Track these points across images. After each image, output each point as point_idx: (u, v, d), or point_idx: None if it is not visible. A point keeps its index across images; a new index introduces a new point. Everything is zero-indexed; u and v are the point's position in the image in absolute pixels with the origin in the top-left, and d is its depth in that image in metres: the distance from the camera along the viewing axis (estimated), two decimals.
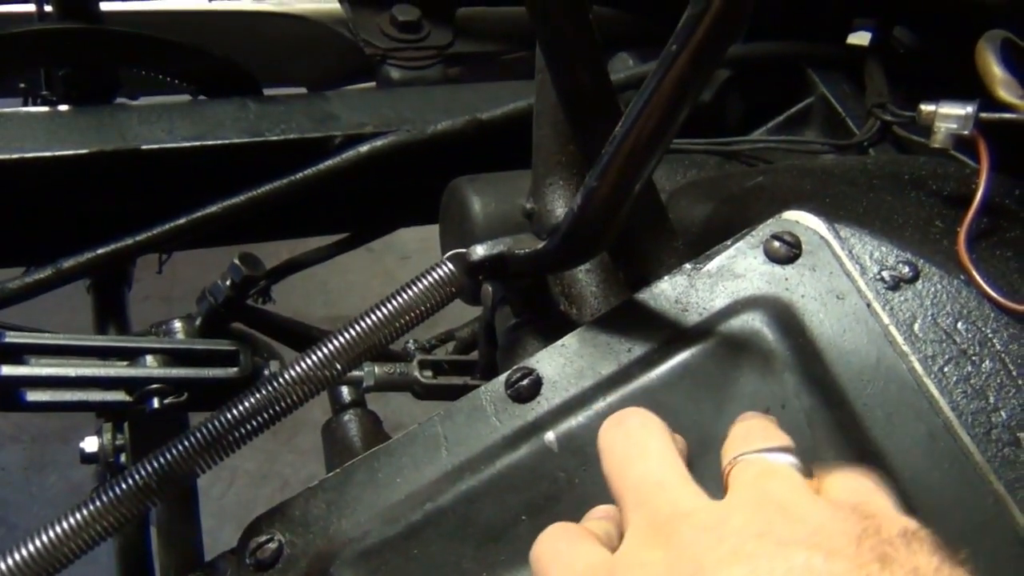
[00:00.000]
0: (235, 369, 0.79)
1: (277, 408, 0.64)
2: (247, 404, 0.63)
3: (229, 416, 0.63)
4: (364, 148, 0.96)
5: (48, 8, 0.99)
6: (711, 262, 0.68)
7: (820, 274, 0.65)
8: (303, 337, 0.90)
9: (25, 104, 1.10)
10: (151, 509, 0.65)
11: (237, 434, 0.63)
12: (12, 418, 2.19)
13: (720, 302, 0.66)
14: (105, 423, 0.90)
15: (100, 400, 0.76)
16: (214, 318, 0.83)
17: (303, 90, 1.26)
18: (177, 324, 0.84)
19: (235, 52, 1.06)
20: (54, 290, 0.90)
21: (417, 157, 0.98)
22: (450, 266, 0.67)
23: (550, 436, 0.63)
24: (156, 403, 0.75)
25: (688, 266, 0.68)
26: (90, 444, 0.89)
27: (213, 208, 0.92)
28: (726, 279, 0.66)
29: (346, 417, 0.84)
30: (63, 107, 0.99)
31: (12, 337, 0.75)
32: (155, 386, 0.76)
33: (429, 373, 0.90)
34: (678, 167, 1.02)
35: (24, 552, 0.59)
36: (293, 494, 0.69)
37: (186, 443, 0.62)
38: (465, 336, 0.99)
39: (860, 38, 1.32)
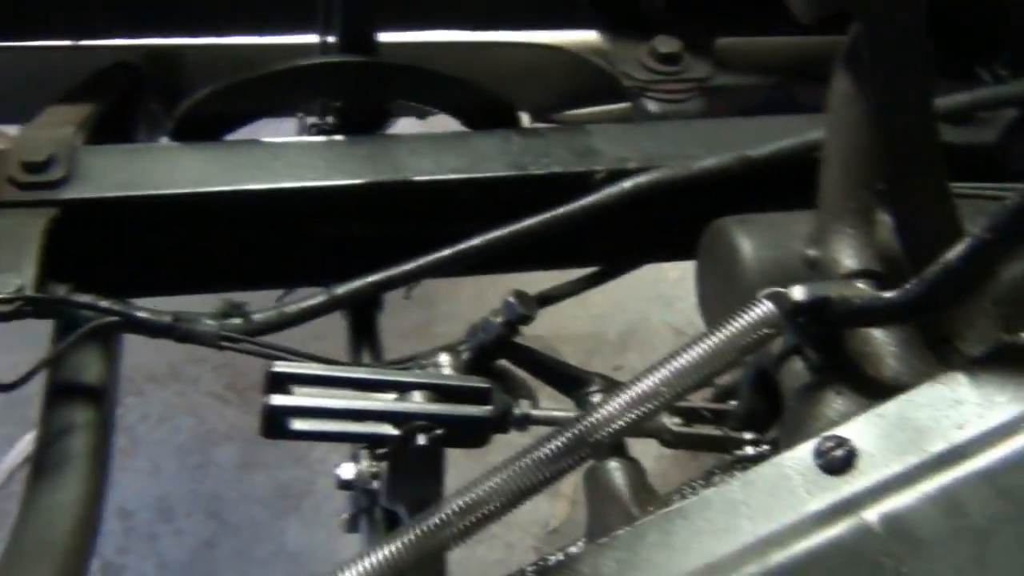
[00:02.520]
0: (489, 408, 0.78)
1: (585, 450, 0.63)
2: (558, 444, 0.62)
3: (542, 454, 0.61)
4: (628, 184, 0.93)
5: (330, 39, 1.03)
6: None
7: None
8: (569, 379, 0.88)
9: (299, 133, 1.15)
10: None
11: (545, 475, 0.62)
12: (228, 417, 2.31)
13: None
14: (361, 450, 0.91)
15: (365, 432, 0.77)
16: (482, 353, 0.83)
17: None
18: (444, 357, 0.84)
19: (491, 81, 1.07)
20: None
21: (679, 194, 0.95)
22: (770, 305, 0.63)
23: (871, 515, 0.58)
24: (423, 439, 0.75)
25: None
26: (347, 471, 0.90)
27: (476, 241, 0.92)
28: None
29: (611, 464, 0.82)
30: (338, 137, 1.02)
31: (281, 367, 0.77)
32: (420, 423, 0.75)
33: (679, 420, 0.87)
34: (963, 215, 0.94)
35: None
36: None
37: (501, 478, 0.60)
38: (725, 384, 0.95)
39: None
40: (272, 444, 2.27)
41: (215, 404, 2.34)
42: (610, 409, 0.64)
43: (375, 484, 0.91)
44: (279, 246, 0.98)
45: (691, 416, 0.84)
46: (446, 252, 0.92)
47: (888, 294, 0.63)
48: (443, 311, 2.32)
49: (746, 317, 0.66)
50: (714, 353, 0.65)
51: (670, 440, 0.83)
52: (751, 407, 0.82)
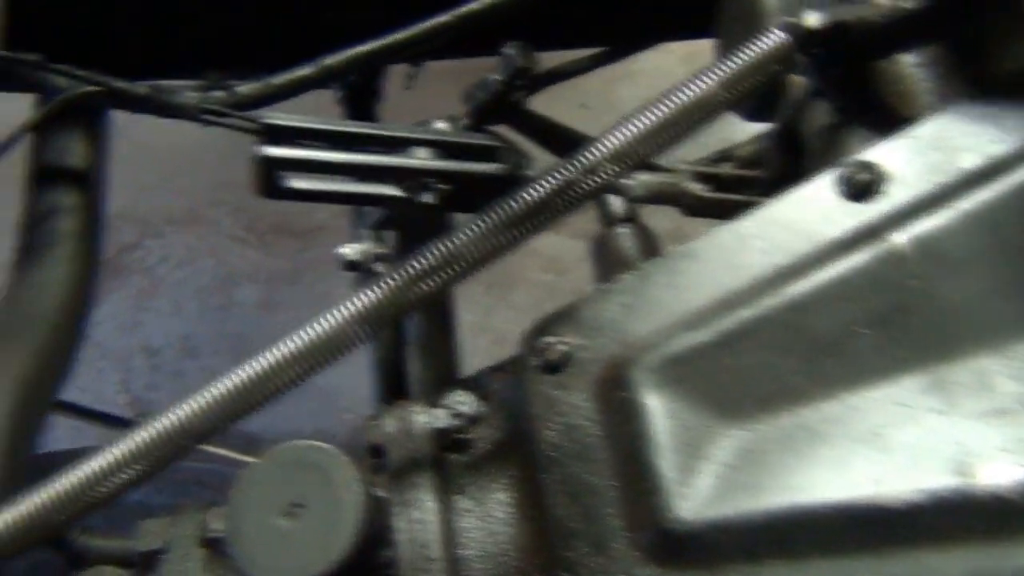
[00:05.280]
0: (498, 165, 0.73)
1: (560, 202, 0.58)
2: (524, 199, 0.57)
3: (524, 201, 0.57)
4: None
5: None
6: None
7: None
8: (575, 145, 0.82)
9: None
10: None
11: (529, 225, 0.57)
12: (248, 259, 2.29)
13: None
14: (366, 230, 0.87)
15: (367, 192, 0.72)
16: (481, 116, 0.77)
17: None
18: (441, 124, 0.78)
19: None
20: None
21: None
22: (781, 34, 0.56)
23: (900, 238, 0.53)
24: (430, 197, 0.70)
25: None
26: (351, 251, 0.86)
27: (475, 5, 0.85)
28: None
29: (620, 231, 0.77)
30: None
31: (277, 119, 0.71)
32: (426, 180, 0.70)
33: (702, 186, 0.81)
34: None
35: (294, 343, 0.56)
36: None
37: (476, 228, 0.56)
38: (747, 154, 0.88)
39: None
40: (292, 284, 2.27)
41: (235, 246, 2.33)
42: (606, 147, 0.58)
43: (379, 266, 0.87)
44: (260, 20, 0.91)
45: (716, 182, 0.79)
46: (442, 19, 0.85)
47: (910, 3, 0.56)
48: None
49: (755, 47, 0.59)
50: (717, 88, 0.58)
51: (692, 206, 0.78)
52: (779, 170, 0.76)
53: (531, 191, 0.58)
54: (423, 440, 0.64)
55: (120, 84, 0.78)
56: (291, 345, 0.57)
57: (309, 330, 0.57)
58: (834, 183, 0.56)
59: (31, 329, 0.71)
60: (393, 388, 0.87)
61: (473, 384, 0.69)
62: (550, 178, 0.58)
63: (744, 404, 0.52)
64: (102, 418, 1.47)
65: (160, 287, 2.23)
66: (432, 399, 0.68)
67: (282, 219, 2.34)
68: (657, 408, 0.53)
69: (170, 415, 0.55)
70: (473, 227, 0.59)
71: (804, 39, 0.57)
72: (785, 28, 0.57)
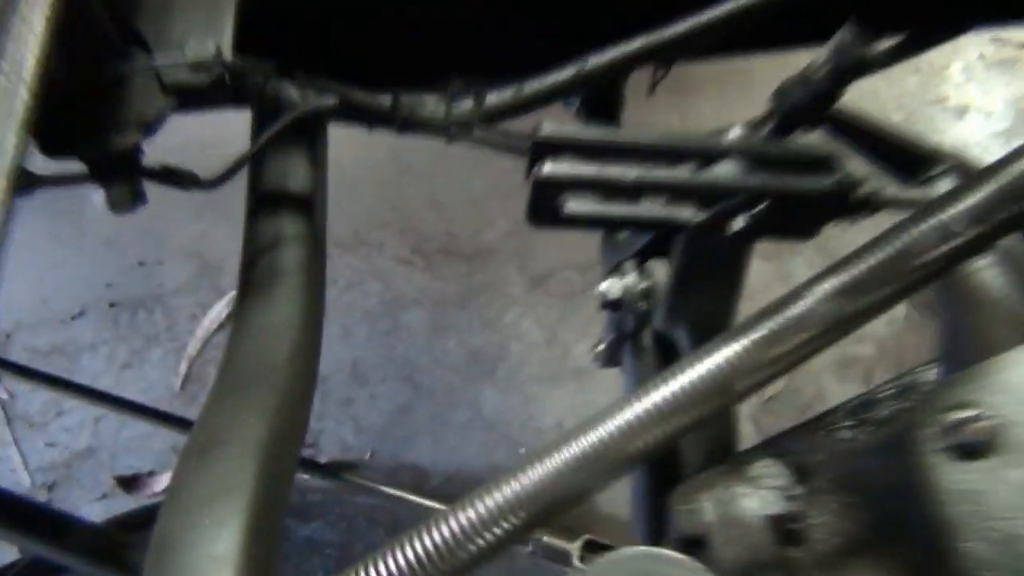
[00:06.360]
0: (829, 180, 0.58)
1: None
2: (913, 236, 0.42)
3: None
4: None
5: None
6: None
7: None
8: (906, 155, 0.67)
9: None
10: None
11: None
12: (415, 282, 2.22)
13: None
14: (626, 262, 0.74)
15: (665, 216, 0.59)
16: (791, 121, 0.63)
17: None
18: (737, 131, 0.64)
19: None
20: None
21: None
22: None
23: None
24: (743, 221, 0.56)
25: None
26: (612, 288, 0.73)
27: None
28: None
29: (979, 263, 0.61)
30: None
31: (551, 129, 0.59)
32: (740, 200, 0.57)
33: None
34: None
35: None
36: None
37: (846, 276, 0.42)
38: None
39: None
40: (462, 308, 2.17)
41: (401, 269, 2.26)
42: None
43: (644, 304, 0.73)
44: (509, 18, 0.79)
45: None
46: (723, 9, 0.71)
47: None
48: None
49: None
50: None
51: None
52: None
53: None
54: (756, 531, 0.50)
55: (360, 96, 0.68)
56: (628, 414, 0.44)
57: (646, 397, 0.44)
58: None
59: (268, 381, 0.61)
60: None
61: (776, 451, 0.55)
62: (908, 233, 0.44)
63: None
64: None
65: (329, 311, 2.18)
66: (740, 472, 0.54)
67: (449, 241, 2.26)
68: None
69: (511, 483, 0.43)
70: (865, 257, 0.45)
71: None
72: None
